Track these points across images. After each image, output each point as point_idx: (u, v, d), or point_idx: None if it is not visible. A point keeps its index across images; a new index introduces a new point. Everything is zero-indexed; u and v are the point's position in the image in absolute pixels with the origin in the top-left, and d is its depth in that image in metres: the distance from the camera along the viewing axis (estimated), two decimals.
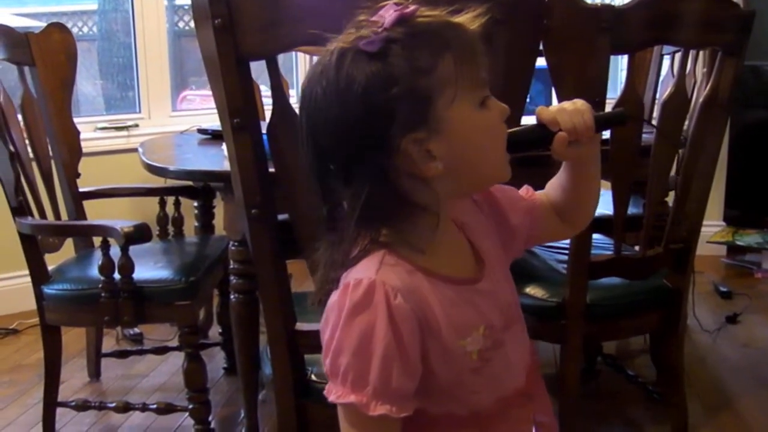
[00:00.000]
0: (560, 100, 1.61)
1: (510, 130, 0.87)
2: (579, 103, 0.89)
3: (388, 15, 0.79)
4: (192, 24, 3.75)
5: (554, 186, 1.01)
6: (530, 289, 1.80)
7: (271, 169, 1.33)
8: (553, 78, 1.58)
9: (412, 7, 0.80)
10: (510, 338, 0.90)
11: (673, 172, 1.93)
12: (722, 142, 1.78)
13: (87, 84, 3.72)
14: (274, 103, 1.30)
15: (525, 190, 1.01)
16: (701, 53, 2.25)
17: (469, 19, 0.82)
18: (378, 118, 0.78)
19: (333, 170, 0.82)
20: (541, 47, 1.49)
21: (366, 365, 0.79)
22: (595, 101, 1.56)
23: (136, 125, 3.32)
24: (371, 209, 0.80)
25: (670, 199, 1.89)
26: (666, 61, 2.53)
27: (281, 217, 1.37)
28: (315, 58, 0.85)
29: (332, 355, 0.81)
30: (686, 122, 1.80)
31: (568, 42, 1.53)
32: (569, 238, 1.09)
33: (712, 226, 3.45)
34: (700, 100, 1.74)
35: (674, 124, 1.70)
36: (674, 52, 2.33)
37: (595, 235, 1.73)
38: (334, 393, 0.81)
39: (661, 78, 2.56)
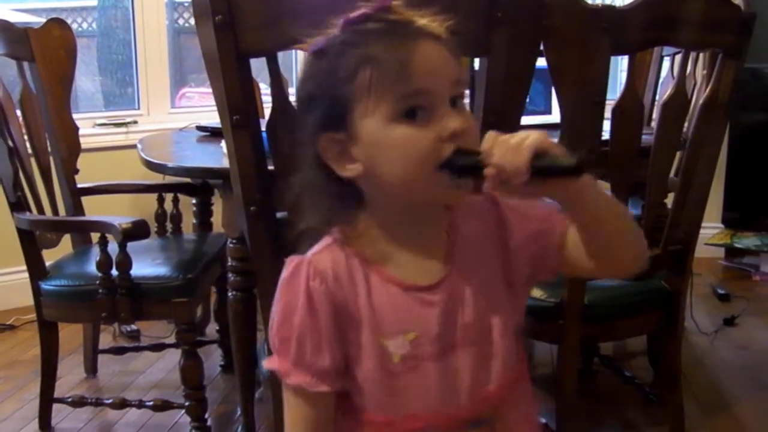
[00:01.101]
0: (560, 100, 1.61)
1: (454, 149, 0.80)
2: (528, 140, 0.75)
3: (342, 19, 0.82)
4: (191, 21, 3.75)
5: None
6: None
7: (271, 167, 1.33)
8: (554, 78, 1.58)
9: (360, 12, 0.81)
10: (456, 358, 0.86)
11: (672, 174, 1.93)
12: (722, 144, 1.78)
13: (86, 80, 3.71)
14: (273, 101, 1.30)
15: (547, 212, 0.89)
16: (701, 55, 2.26)
17: (431, 22, 0.81)
18: (302, 110, 0.86)
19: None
20: (541, 47, 1.49)
21: (288, 336, 0.86)
22: (596, 101, 1.57)
23: (135, 122, 3.32)
24: (314, 190, 0.87)
25: (669, 200, 1.89)
26: (666, 63, 2.53)
27: (280, 214, 1.37)
28: None
29: (270, 324, 0.88)
30: (686, 124, 1.80)
31: (568, 42, 1.53)
32: (604, 278, 0.96)
33: (711, 229, 3.45)
34: (700, 101, 1.74)
35: (674, 126, 1.71)
36: (674, 54, 2.33)
37: None
38: (268, 360, 0.89)
39: (661, 79, 2.56)
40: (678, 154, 1.88)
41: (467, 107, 0.85)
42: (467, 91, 0.86)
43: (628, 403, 2.20)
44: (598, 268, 0.88)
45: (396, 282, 0.86)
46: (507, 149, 0.75)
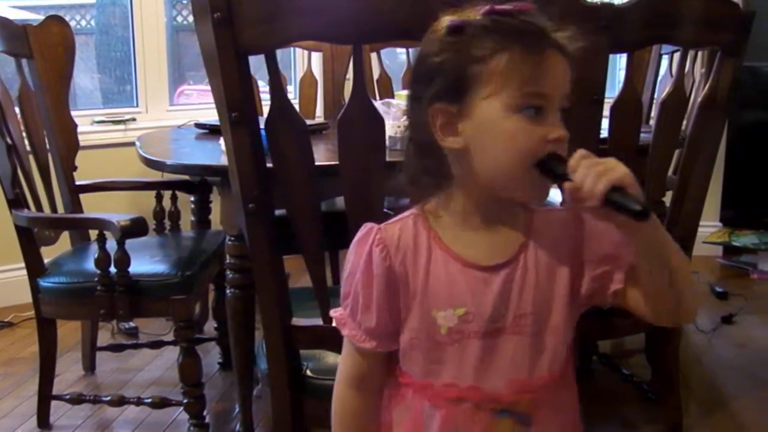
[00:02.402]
0: None
1: (550, 152, 0.86)
2: (611, 173, 0.81)
3: (485, 8, 0.87)
4: (190, 19, 3.75)
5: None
6: None
7: (269, 164, 1.33)
8: None
9: (506, 7, 0.87)
10: (501, 342, 0.91)
11: (670, 172, 1.93)
12: (720, 142, 1.78)
13: (84, 77, 3.71)
14: (272, 98, 1.30)
15: (622, 240, 0.90)
16: (700, 53, 2.26)
17: (564, 38, 0.88)
18: (423, 77, 0.90)
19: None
20: None
21: (348, 291, 0.96)
22: (594, 99, 1.57)
23: (134, 119, 3.32)
24: (414, 153, 0.93)
25: (667, 198, 1.89)
26: (664, 61, 2.53)
27: (278, 212, 1.37)
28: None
29: (342, 275, 0.98)
30: (684, 122, 1.80)
31: None
32: (656, 324, 0.99)
33: (709, 227, 3.45)
34: (699, 100, 1.74)
35: (672, 124, 1.70)
36: (673, 52, 2.33)
37: None
38: (334, 309, 0.99)
39: (659, 77, 2.56)
40: (676, 152, 1.88)
41: None
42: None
43: (627, 401, 2.21)
44: (653, 313, 0.93)
45: (458, 259, 0.92)
46: (589, 173, 0.82)
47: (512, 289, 0.91)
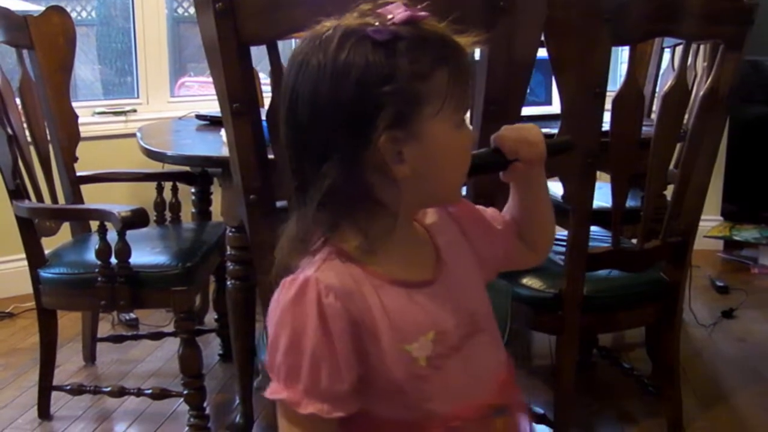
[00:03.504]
0: (560, 91, 1.61)
1: (493, 149, 0.92)
2: (534, 133, 0.92)
3: (397, 11, 0.79)
4: (191, 10, 3.74)
5: (512, 213, 1.00)
6: (527, 280, 1.80)
7: (270, 156, 1.32)
8: (554, 69, 1.58)
9: (422, 12, 0.79)
10: (472, 347, 0.87)
11: (672, 166, 1.93)
12: (722, 136, 1.78)
13: (85, 69, 3.70)
14: (273, 89, 1.30)
15: (493, 214, 0.99)
16: (702, 47, 2.25)
17: (467, 42, 0.82)
18: (365, 108, 0.77)
19: (306, 146, 0.81)
20: (542, 38, 1.48)
21: (297, 363, 0.79)
22: (596, 92, 1.56)
23: (134, 110, 3.31)
24: (334, 195, 0.79)
25: (669, 192, 1.89)
26: (666, 54, 2.53)
27: (279, 203, 1.37)
28: None
29: (269, 350, 0.81)
30: (686, 116, 1.80)
31: (569, 33, 1.53)
32: (533, 266, 1.07)
33: (710, 221, 3.45)
34: (701, 93, 1.74)
35: (674, 118, 1.70)
36: (675, 45, 2.32)
37: (593, 228, 1.73)
38: (269, 389, 0.81)
39: (661, 71, 2.56)
40: (678, 146, 1.88)
41: None
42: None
43: (627, 394, 2.21)
44: (531, 256, 1.01)
45: (401, 283, 0.84)
46: (530, 146, 0.91)
47: (456, 292, 0.88)
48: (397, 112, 0.77)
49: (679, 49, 1.78)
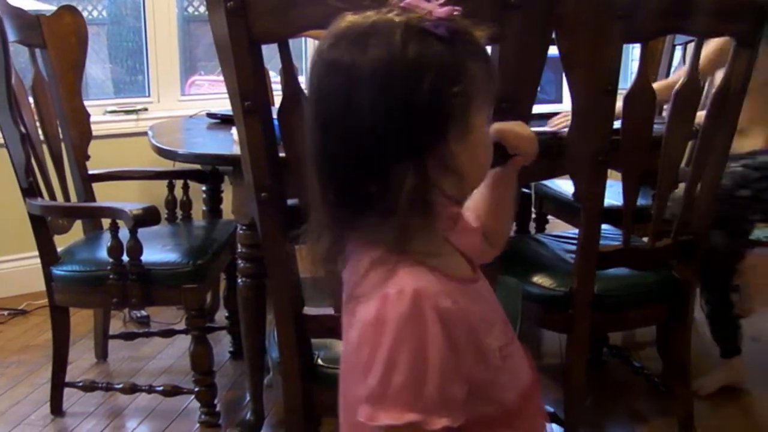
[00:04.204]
0: (571, 88, 1.61)
1: (495, 144, 0.92)
2: (529, 129, 0.95)
3: (434, 7, 0.76)
4: (201, 9, 3.75)
5: (480, 209, 0.97)
6: (538, 279, 1.80)
7: (282, 154, 1.33)
8: (565, 66, 1.57)
9: (457, 7, 0.76)
10: (514, 337, 0.90)
11: (683, 164, 1.92)
12: (734, 134, 1.77)
13: (96, 67, 3.71)
14: (285, 87, 1.30)
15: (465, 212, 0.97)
16: None
17: (483, 37, 0.79)
18: (442, 105, 0.74)
19: (367, 156, 0.74)
20: (553, 35, 1.48)
21: (423, 379, 0.73)
22: (607, 90, 1.56)
23: (145, 109, 3.33)
24: (411, 201, 0.74)
25: (680, 190, 1.88)
26: (678, 51, 2.52)
27: (291, 201, 1.37)
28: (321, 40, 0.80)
29: (382, 373, 0.73)
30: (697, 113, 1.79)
31: (580, 30, 1.53)
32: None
33: None
34: (713, 90, 1.73)
35: (686, 116, 1.70)
36: (686, 42, 2.31)
37: (603, 226, 1.73)
38: (386, 416, 0.73)
39: (672, 68, 2.55)
40: (689, 143, 1.87)
41: None
42: None
43: (637, 393, 2.20)
44: (490, 252, 0.99)
45: (462, 281, 0.82)
46: (527, 140, 0.93)
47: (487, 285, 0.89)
48: (460, 109, 0.75)
49: (690, 46, 1.77)
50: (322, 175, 0.79)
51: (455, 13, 0.76)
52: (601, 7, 1.53)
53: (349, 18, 0.77)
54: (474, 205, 0.98)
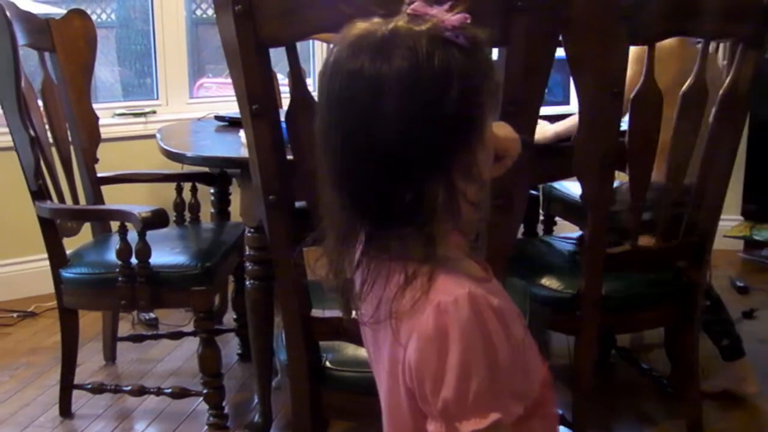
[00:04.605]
0: (578, 91, 1.61)
1: None
2: (515, 133, 0.94)
3: (445, 15, 0.75)
4: (209, 12, 3.77)
5: None
6: (545, 281, 1.80)
7: (290, 156, 1.33)
8: (572, 69, 1.57)
9: (467, 14, 0.76)
10: (525, 323, 0.91)
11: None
12: (741, 135, 1.76)
13: (105, 71, 3.73)
14: (293, 90, 1.31)
15: None
16: (721, 45, 2.23)
17: (487, 42, 0.79)
18: (471, 115, 0.75)
19: (394, 168, 0.74)
20: (560, 38, 1.48)
21: (497, 377, 0.75)
22: (614, 92, 1.56)
23: (154, 112, 3.34)
24: (442, 214, 0.75)
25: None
26: None
27: (298, 204, 1.38)
28: (333, 47, 0.79)
29: (457, 383, 0.74)
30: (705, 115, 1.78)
31: (587, 32, 1.52)
32: None
33: (730, 221, 3.42)
34: (720, 92, 1.73)
35: (693, 117, 1.69)
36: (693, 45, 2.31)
37: None
38: (468, 424, 0.74)
39: None
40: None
41: None
42: None
43: (645, 395, 2.20)
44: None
45: (481, 279, 0.83)
46: (514, 142, 0.93)
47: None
48: (482, 114, 0.77)
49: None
50: (340, 186, 0.78)
51: (467, 21, 0.76)
52: (607, 9, 1.53)
53: (361, 25, 0.76)
54: None
